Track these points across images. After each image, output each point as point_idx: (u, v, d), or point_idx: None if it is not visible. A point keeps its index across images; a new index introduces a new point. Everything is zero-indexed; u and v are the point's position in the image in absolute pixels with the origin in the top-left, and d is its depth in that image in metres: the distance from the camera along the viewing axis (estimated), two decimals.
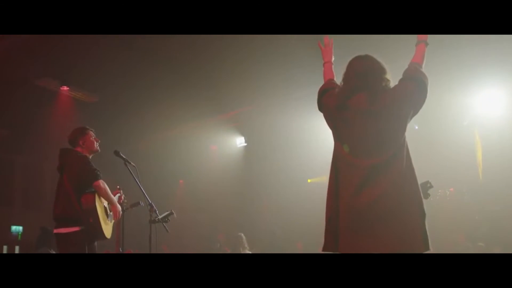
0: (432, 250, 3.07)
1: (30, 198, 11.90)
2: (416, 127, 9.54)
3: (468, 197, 9.15)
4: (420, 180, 4.14)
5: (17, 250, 11.23)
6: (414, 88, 3.31)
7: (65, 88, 9.19)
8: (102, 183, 4.83)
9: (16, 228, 11.54)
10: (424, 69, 3.45)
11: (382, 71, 3.38)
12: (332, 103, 3.45)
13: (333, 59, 3.95)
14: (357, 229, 3.11)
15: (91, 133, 5.15)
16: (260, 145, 11.80)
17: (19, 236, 11.53)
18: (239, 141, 12.69)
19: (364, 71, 3.38)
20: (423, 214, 3.11)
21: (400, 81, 3.39)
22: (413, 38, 3.62)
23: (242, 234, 8.61)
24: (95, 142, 5.13)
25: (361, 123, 3.25)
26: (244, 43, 7.47)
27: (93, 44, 7.43)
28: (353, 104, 3.31)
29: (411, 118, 3.34)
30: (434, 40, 3.64)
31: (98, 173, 4.84)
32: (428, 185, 4.17)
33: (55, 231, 4.76)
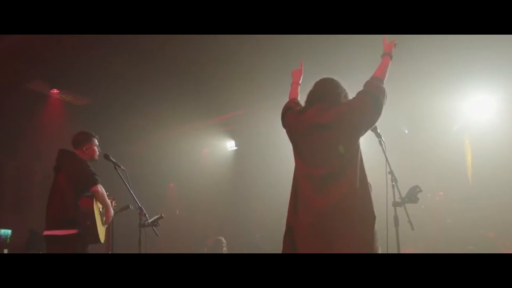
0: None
1: (19, 201, 11.82)
2: (406, 132, 9.60)
3: (457, 201, 9.18)
4: (410, 184, 4.20)
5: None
6: (368, 104, 3.45)
7: (55, 91, 9.16)
8: (100, 188, 4.86)
9: (5, 232, 11.46)
10: (385, 83, 3.57)
11: (341, 92, 3.62)
12: (292, 120, 3.71)
13: (300, 80, 4.20)
14: (312, 234, 3.29)
15: (96, 141, 5.20)
16: (251, 149, 11.79)
17: (8, 239, 11.44)
18: (230, 145, 12.68)
19: (322, 89, 3.65)
20: (373, 221, 3.32)
21: (358, 93, 3.56)
22: (410, 39, 3.66)
23: (222, 238, 8.69)
24: (97, 151, 5.17)
25: (312, 136, 3.47)
26: (236, 47, 7.48)
27: (84, 47, 7.39)
28: (306, 119, 3.55)
29: (364, 131, 3.54)
30: (425, 45, 3.67)
31: (97, 177, 4.87)
32: (417, 189, 4.21)
33: (48, 232, 4.72)
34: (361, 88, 3.59)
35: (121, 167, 5.15)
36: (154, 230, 5.18)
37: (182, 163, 12.23)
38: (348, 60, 7.13)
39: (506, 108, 8.66)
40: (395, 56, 3.70)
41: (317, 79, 3.74)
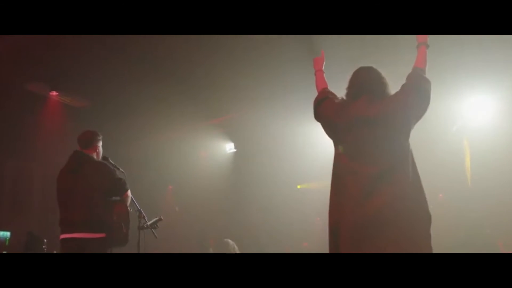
0: None
1: (18, 202, 11.79)
2: None
3: (457, 203, 9.17)
4: None
5: None
6: (416, 97, 3.32)
7: (55, 93, 9.16)
8: (129, 193, 4.86)
9: (4, 234, 11.42)
10: (427, 73, 3.46)
11: (384, 82, 3.44)
12: (332, 112, 3.48)
13: (323, 67, 3.99)
14: (361, 238, 3.07)
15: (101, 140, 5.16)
16: (250, 151, 11.79)
17: (7, 242, 11.41)
18: (229, 147, 12.66)
19: (366, 79, 3.45)
20: (429, 222, 3.12)
21: (403, 87, 3.41)
22: (409, 40, 3.63)
23: (229, 240, 8.64)
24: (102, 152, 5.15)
25: (363, 131, 3.26)
26: (234, 47, 7.47)
27: (83, 49, 7.40)
28: (355, 112, 3.33)
29: (414, 125, 3.36)
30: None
31: (126, 182, 4.86)
32: None
33: (77, 235, 4.59)
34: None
35: (120, 169, 5.13)
36: (153, 233, 5.17)
37: (181, 165, 12.21)
38: (348, 60, 7.11)
39: (505, 108, 8.66)
40: (393, 58, 3.65)
41: (356, 67, 3.58)
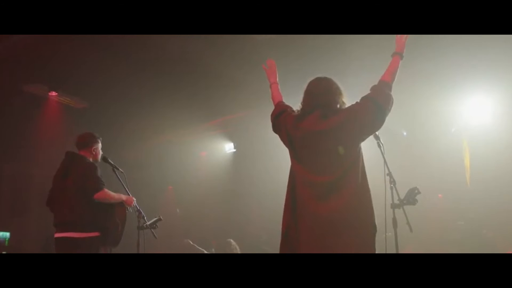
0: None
1: (17, 203, 11.78)
2: (405, 134, 9.60)
3: (456, 203, 9.17)
4: (408, 186, 4.16)
5: None
6: (371, 112, 3.33)
7: (54, 93, 9.14)
8: (104, 193, 4.80)
9: (4, 234, 11.42)
10: (392, 87, 3.45)
11: (338, 92, 3.48)
12: (289, 125, 3.58)
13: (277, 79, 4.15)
14: (315, 241, 3.20)
15: (100, 142, 5.21)
16: (249, 151, 11.77)
17: (7, 242, 11.41)
18: (228, 147, 12.66)
19: (319, 92, 3.50)
20: (373, 230, 3.24)
21: (362, 99, 3.43)
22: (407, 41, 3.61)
23: (232, 240, 8.65)
24: (100, 153, 5.17)
25: (315, 144, 3.35)
26: (234, 48, 7.47)
27: (84, 50, 7.39)
28: (307, 124, 3.42)
29: (366, 137, 3.44)
30: (422, 47, 3.64)
31: (102, 183, 4.82)
32: (416, 191, 4.20)
33: (69, 234, 4.69)
34: (358, 91, 3.52)
35: (120, 169, 5.15)
36: (153, 233, 5.18)
37: (181, 165, 12.21)
38: (346, 61, 7.12)
39: (504, 109, 8.66)
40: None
41: (312, 78, 3.64)
